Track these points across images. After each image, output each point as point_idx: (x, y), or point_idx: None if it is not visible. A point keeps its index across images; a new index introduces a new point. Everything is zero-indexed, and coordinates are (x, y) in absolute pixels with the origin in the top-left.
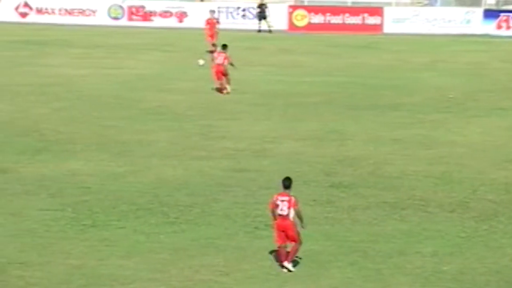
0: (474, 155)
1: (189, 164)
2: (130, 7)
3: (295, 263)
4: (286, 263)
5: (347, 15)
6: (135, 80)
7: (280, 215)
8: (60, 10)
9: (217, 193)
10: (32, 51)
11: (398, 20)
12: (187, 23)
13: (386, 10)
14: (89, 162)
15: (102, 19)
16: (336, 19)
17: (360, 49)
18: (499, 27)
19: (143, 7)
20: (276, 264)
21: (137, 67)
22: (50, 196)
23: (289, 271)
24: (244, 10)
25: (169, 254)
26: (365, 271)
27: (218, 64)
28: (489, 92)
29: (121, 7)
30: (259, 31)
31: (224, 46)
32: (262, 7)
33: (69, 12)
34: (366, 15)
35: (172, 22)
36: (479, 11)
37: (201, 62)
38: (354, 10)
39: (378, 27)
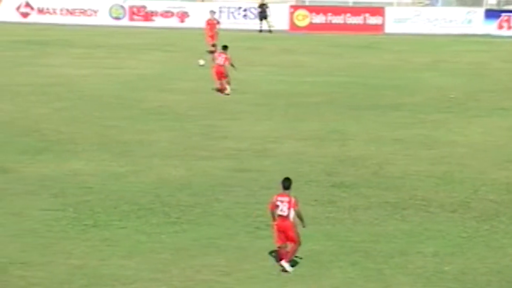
0: (475, 155)
1: (191, 164)
2: (131, 7)
3: (293, 263)
4: (283, 262)
5: (348, 15)
6: (137, 80)
7: (280, 215)
8: (61, 10)
9: (219, 193)
10: (33, 51)
11: (399, 20)
12: (188, 23)
13: (388, 10)
14: (90, 162)
15: (103, 19)
16: (337, 19)
17: (361, 49)
18: (500, 27)
19: (144, 7)
20: (277, 264)
21: (138, 67)
22: (52, 196)
23: (285, 270)
24: (245, 10)
25: (171, 254)
26: (367, 271)
27: (219, 65)
28: (490, 92)
29: (122, 7)
30: (261, 31)
31: (225, 47)
32: (263, 7)
33: (71, 12)
34: (367, 15)
35: (173, 22)
36: (480, 11)
37: (202, 62)
38: (355, 10)
39: (379, 27)
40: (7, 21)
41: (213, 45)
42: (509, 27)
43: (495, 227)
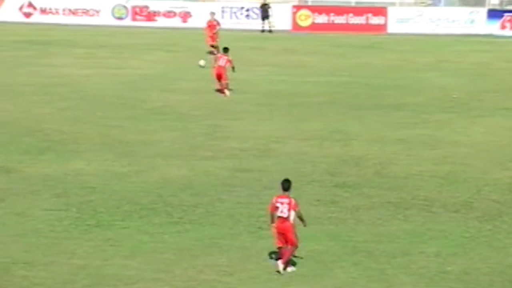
0: (478, 155)
1: (193, 164)
2: (134, 7)
3: (293, 262)
4: (279, 263)
5: (351, 15)
6: (139, 80)
7: (280, 217)
8: (64, 10)
9: (221, 193)
10: (36, 51)
11: (402, 20)
12: (191, 23)
13: (390, 10)
14: (93, 162)
15: (106, 19)
16: (340, 19)
17: (364, 49)
18: (503, 27)
19: (147, 7)
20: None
21: (141, 67)
22: (54, 196)
23: (278, 272)
24: (248, 10)
25: (173, 254)
26: (369, 271)
27: (219, 66)
28: (493, 92)
29: (125, 7)
30: (263, 31)
31: (226, 49)
32: (264, 7)
33: (73, 12)
34: (370, 15)
35: (176, 22)
36: (483, 11)
37: (202, 63)
38: (358, 10)
39: (382, 27)
40: (10, 21)
41: (213, 46)
42: (511, 27)
43: (498, 227)
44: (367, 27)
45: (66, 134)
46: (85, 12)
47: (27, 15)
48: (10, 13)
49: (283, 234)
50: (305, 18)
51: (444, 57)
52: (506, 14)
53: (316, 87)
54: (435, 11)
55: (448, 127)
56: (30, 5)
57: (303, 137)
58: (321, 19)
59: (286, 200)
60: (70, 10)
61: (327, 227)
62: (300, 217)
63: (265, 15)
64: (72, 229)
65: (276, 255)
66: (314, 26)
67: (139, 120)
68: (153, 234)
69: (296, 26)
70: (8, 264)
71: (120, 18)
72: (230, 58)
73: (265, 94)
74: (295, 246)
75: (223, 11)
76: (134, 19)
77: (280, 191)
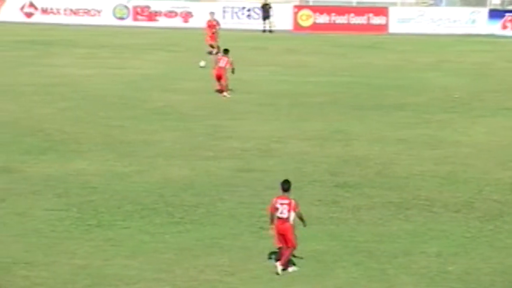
0: (479, 155)
1: (195, 164)
2: (135, 7)
3: (293, 262)
4: (278, 264)
5: (352, 15)
6: (141, 80)
7: (279, 218)
8: (65, 10)
9: (223, 193)
10: (37, 51)
11: (403, 20)
12: (192, 23)
13: (391, 10)
14: (94, 162)
15: (107, 19)
16: (341, 19)
17: (365, 49)
18: (504, 27)
19: (148, 7)
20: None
21: (142, 67)
22: (56, 196)
23: (277, 273)
24: (249, 10)
25: (174, 254)
26: (370, 271)
27: (220, 67)
28: (494, 92)
29: (126, 7)
30: (264, 31)
31: (226, 51)
32: (265, 7)
33: (74, 12)
34: (371, 15)
35: (177, 22)
36: (484, 11)
37: (202, 63)
38: (359, 10)
39: (383, 27)
40: (11, 21)
41: (212, 46)
42: None
43: (499, 227)
44: (368, 27)
45: (67, 134)
46: (87, 12)
47: (28, 15)
48: (11, 13)
49: (282, 235)
50: (306, 18)
51: (445, 57)
52: (507, 14)
53: (317, 87)
54: (436, 11)
55: (449, 127)
56: (31, 5)
57: (304, 137)
58: (322, 19)
59: (286, 201)
60: (71, 10)
61: (328, 227)
62: (300, 218)
63: (266, 15)
64: (73, 229)
65: (276, 255)
66: (315, 26)
67: (140, 120)
68: (154, 234)
69: (297, 26)
70: (9, 264)
71: (121, 18)
72: (230, 59)
73: (266, 94)
74: (293, 247)
75: (224, 11)
76: (135, 19)
77: (280, 192)
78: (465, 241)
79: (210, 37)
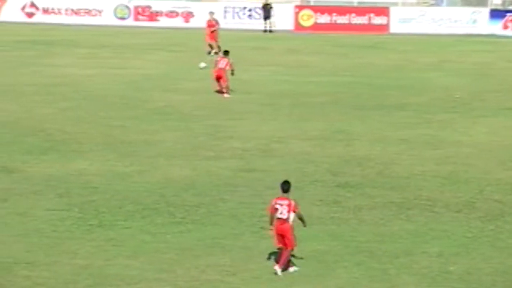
0: (480, 155)
1: (196, 164)
2: (136, 7)
3: (292, 263)
4: (276, 267)
5: (353, 15)
6: (142, 80)
7: (279, 218)
8: (66, 10)
9: (224, 193)
10: (38, 51)
11: (404, 20)
12: (193, 23)
13: (392, 10)
14: (95, 162)
15: (108, 19)
16: (342, 19)
17: (366, 49)
18: (505, 27)
19: (149, 7)
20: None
21: (143, 67)
22: (57, 196)
23: (275, 274)
24: (250, 10)
25: (176, 254)
26: (372, 271)
27: (220, 68)
28: (495, 92)
29: (127, 7)
30: (265, 31)
31: (226, 52)
32: (266, 7)
33: (76, 12)
34: (372, 15)
35: (178, 22)
36: (485, 11)
37: (203, 65)
38: (360, 10)
39: (384, 27)
40: (12, 21)
41: (211, 46)
42: None
43: (500, 227)
44: (370, 27)
45: (68, 134)
46: (88, 12)
47: (30, 15)
48: (13, 13)
49: (282, 235)
50: (308, 18)
51: (446, 57)
52: (508, 14)
53: (319, 87)
54: (437, 11)
55: (450, 127)
56: (33, 5)
57: (305, 137)
58: (324, 19)
59: (285, 202)
60: (72, 10)
61: (329, 227)
62: (300, 218)
63: (267, 15)
64: (75, 229)
65: (275, 256)
66: (317, 26)
67: (141, 120)
68: (156, 234)
69: (298, 26)
70: (11, 264)
71: (122, 18)
72: (230, 61)
73: (267, 94)
74: (292, 248)
75: (225, 11)
76: (136, 19)
77: (280, 193)
78: (466, 241)
79: (209, 36)
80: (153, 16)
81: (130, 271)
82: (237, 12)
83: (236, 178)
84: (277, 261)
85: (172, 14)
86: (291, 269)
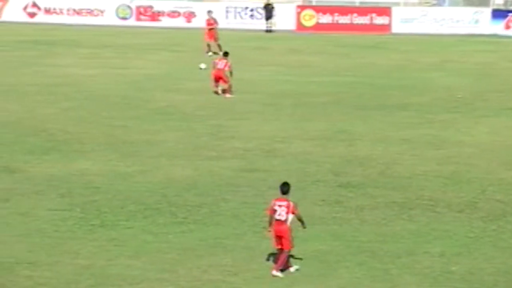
0: (482, 155)
1: (198, 164)
2: (138, 7)
3: (291, 264)
4: (274, 272)
5: (355, 15)
6: (144, 80)
7: (277, 220)
8: (68, 10)
9: (226, 193)
10: (40, 51)
11: (406, 20)
12: (195, 23)
13: (394, 10)
14: (97, 162)
15: (110, 19)
16: (344, 19)
17: (368, 49)
18: (507, 27)
19: (151, 7)
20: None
21: (145, 67)
22: (59, 196)
23: (273, 275)
24: (252, 10)
25: (178, 254)
26: (373, 271)
27: (219, 69)
28: (497, 92)
29: (129, 7)
30: (267, 31)
31: (226, 54)
32: (268, 7)
33: (77, 12)
34: (374, 15)
35: (180, 22)
36: (487, 11)
37: (203, 66)
38: (362, 10)
39: (386, 27)
40: (14, 21)
41: (209, 46)
42: None
43: (502, 227)
44: (372, 27)
45: (70, 134)
46: (90, 12)
47: (32, 15)
48: (15, 13)
49: (279, 237)
50: (309, 18)
51: (448, 57)
52: (510, 14)
53: (321, 87)
54: (439, 11)
55: (452, 127)
56: (35, 5)
57: (307, 137)
58: (325, 19)
59: (284, 203)
60: (74, 10)
61: (331, 227)
62: (300, 220)
63: (269, 15)
64: (76, 229)
65: (274, 257)
66: (318, 26)
67: (143, 120)
68: (158, 234)
69: (300, 26)
70: (12, 264)
71: (124, 18)
72: (229, 62)
73: (269, 94)
74: (288, 250)
75: (227, 11)
76: (138, 19)
77: (279, 194)
78: (468, 241)
79: (208, 34)
80: (155, 16)
81: (132, 271)
82: (239, 12)
83: (238, 178)
84: (274, 263)
85: (174, 14)
86: (292, 268)
